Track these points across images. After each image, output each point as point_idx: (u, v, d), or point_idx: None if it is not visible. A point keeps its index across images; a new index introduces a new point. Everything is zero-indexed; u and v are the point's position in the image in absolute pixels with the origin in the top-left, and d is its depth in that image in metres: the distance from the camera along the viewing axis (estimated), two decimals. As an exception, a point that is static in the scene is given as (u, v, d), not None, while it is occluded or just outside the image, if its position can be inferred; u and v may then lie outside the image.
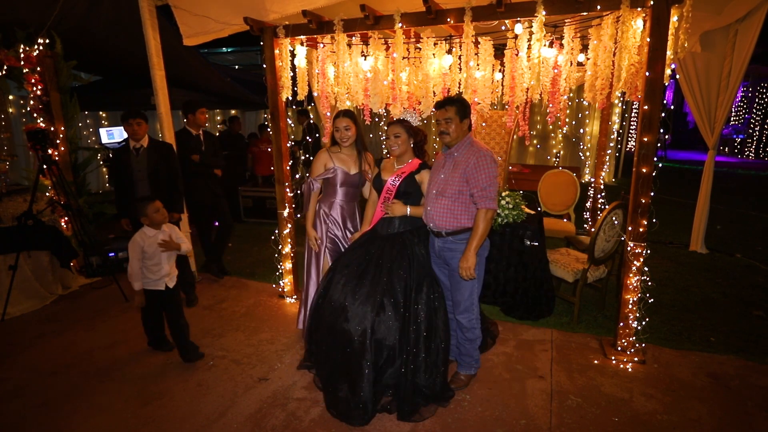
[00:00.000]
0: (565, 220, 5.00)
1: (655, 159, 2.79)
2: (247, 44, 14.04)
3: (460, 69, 3.23)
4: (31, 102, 4.28)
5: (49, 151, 4.02)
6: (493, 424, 2.40)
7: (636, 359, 2.93)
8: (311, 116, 7.62)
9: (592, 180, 5.58)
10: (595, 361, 2.97)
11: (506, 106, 3.85)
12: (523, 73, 3.15)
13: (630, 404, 2.55)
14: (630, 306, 2.92)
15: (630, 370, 2.87)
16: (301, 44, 3.66)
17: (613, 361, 2.95)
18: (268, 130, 4.00)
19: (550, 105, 3.22)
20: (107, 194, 5.44)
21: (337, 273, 2.68)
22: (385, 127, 2.79)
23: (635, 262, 2.86)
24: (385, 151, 2.97)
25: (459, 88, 3.33)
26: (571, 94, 6.61)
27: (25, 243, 3.76)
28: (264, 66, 3.59)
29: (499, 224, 3.56)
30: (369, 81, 3.56)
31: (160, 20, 3.85)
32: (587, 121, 9.11)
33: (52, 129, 4.29)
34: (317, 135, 7.19)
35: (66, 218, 4.27)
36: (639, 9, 2.66)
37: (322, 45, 3.61)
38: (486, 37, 3.29)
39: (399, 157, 2.75)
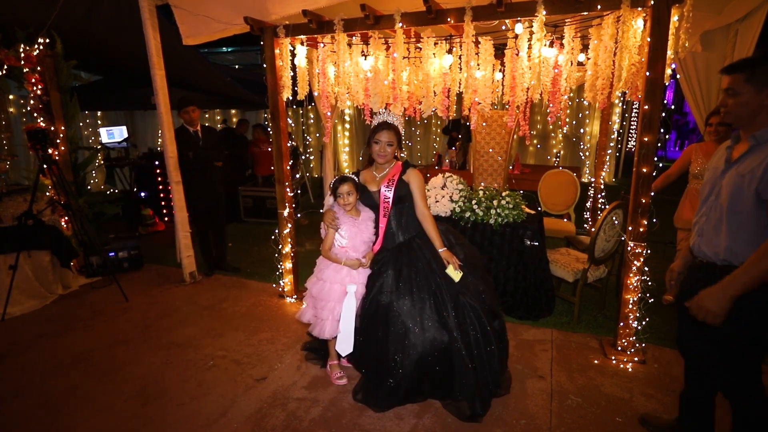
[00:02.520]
0: (565, 220, 5.00)
1: (655, 159, 2.79)
2: (247, 44, 14.05)
3: (461, 69, 3.22)
4: (31, 102, 4.28)
5: (49, 151, 4.03)
6: (493, 424, 2.40)
7: (636, 359, 2.93)
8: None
9: (592, 180, 5.58)
10: (595, 361, 2.97)
11: (507, 106, 3.84)
12: (524, 73, 3.15)
13: (630, 404, 2.55)
14: (630, 306, 2.92)
15: (630, 370, 2.87)
16: (302, 44, 3.66)
17: (613, 361, 2.95)
18: (269, 130, 4.01)
19: (551, 105, 3.21)
20: (107, 194, 5.44)
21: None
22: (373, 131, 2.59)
23: (635, 262, 2.86)
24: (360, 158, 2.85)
25: (459, 87, 3.33)
26: (572, 94, 6.61)
27: (25, 243, 3.76)
28: (264, 66, 3.59)
29: (499, 224, 3.56)
30: (369, 81, 3.56)
31: (160, 20, 3.84)
32: (587, 121, 9.10)
33: (52, 129, 4.29)
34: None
35: (66, 218, 4.27)
36: (639, 9, 2.66)
37: (322, 45, 3.61)
38: (486, 37, 3.29)
39: (383, 165, 2.66)
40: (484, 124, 4.53)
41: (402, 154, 2.65)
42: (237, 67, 14.83)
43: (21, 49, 4.08)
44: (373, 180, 2.69)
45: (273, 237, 4.11)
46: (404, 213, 2.64)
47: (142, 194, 6.60)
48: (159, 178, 6.51)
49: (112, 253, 4.56)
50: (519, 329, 3.39)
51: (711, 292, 1.68)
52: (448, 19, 2.97)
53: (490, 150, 4.50)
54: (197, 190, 4.27)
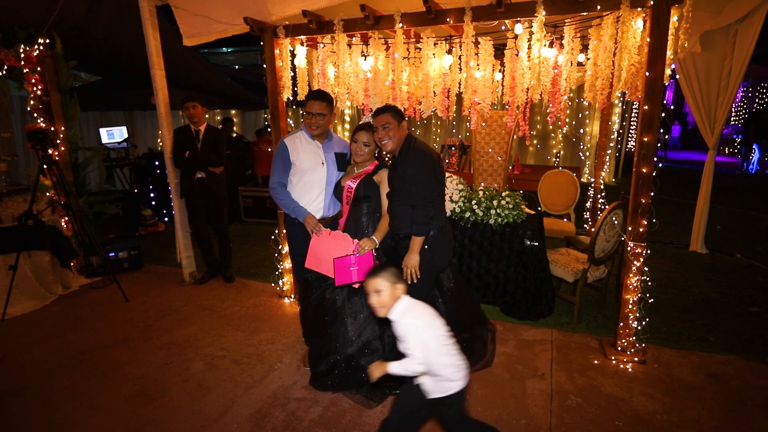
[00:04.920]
0: (565, 220, 5.00)
1: (655, 159, 2.79)
2: (247, 44, 14.01)
3: (460, 69, 3.23)
4: (32, 102, 4.28)
5: (49, 151, 4.03)
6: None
7: (636, 359, 2.93)
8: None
9: (592, 180, 5.58)
10: (595, 361, 2.97)
11: (506, 106, 3.85)
12: (524, 73, 3.15)
13: (630, 404, 2.55)
14: (630, 306, 2.92)
15: (630, 370, 2.87)
16: (301, 44, 3.66)
17: (613, 361, 2.95)
18: (268, 129, 4.00)
19: (551, 105, 3.22)
20: (107, 194, 5.44)
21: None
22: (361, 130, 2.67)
23: (635, 262, 2.86)
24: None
25: (459, 88, 3.33)
26: (571, 94, 6.61)
27: (25, 243, 3.76)
28: (264, 66, 3.59)
29: (499, 224, 3.56)
30: (369, 81, 3.56)
31: (160, 20, 3.85)
32: (587, 121, 9.10)
33: (52, 129, 4.30)
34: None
35: (66, 218, 4.27)
36: (639, 9, 2.66)
37: (322, 45, 3.61)
38: (486, 37, 3.29)
39: (361, 163, 2.71)
40: (483, 124, 4.54)
41: None
42: (237, 67, 14.80)
43: (21, 50, 4.08)
44: (350, 173, 2.79)
45: (273, 237, 4.11)
46: (364, 212, 2.69)
47: (152, 195, 6.60)
48: (158, 179, 6.51)
49: (112, 253, 4.56)
50: (519, 329, 3.39)
51: None
52: (448, 20, 2.97)
53: (490, 150, 4.51)
54: (193, 190, 4.20)
